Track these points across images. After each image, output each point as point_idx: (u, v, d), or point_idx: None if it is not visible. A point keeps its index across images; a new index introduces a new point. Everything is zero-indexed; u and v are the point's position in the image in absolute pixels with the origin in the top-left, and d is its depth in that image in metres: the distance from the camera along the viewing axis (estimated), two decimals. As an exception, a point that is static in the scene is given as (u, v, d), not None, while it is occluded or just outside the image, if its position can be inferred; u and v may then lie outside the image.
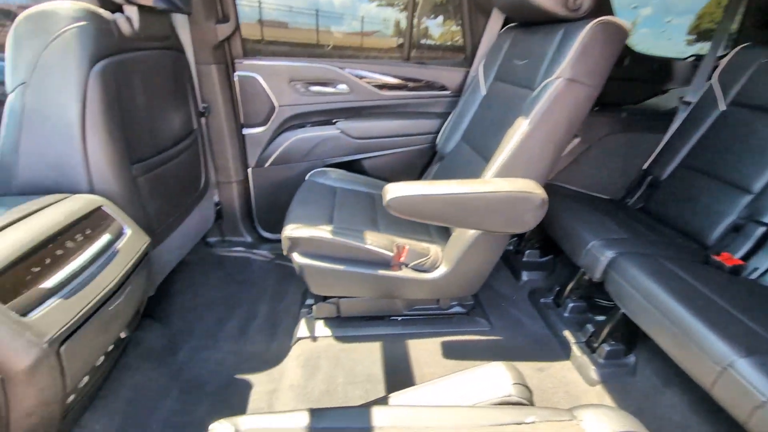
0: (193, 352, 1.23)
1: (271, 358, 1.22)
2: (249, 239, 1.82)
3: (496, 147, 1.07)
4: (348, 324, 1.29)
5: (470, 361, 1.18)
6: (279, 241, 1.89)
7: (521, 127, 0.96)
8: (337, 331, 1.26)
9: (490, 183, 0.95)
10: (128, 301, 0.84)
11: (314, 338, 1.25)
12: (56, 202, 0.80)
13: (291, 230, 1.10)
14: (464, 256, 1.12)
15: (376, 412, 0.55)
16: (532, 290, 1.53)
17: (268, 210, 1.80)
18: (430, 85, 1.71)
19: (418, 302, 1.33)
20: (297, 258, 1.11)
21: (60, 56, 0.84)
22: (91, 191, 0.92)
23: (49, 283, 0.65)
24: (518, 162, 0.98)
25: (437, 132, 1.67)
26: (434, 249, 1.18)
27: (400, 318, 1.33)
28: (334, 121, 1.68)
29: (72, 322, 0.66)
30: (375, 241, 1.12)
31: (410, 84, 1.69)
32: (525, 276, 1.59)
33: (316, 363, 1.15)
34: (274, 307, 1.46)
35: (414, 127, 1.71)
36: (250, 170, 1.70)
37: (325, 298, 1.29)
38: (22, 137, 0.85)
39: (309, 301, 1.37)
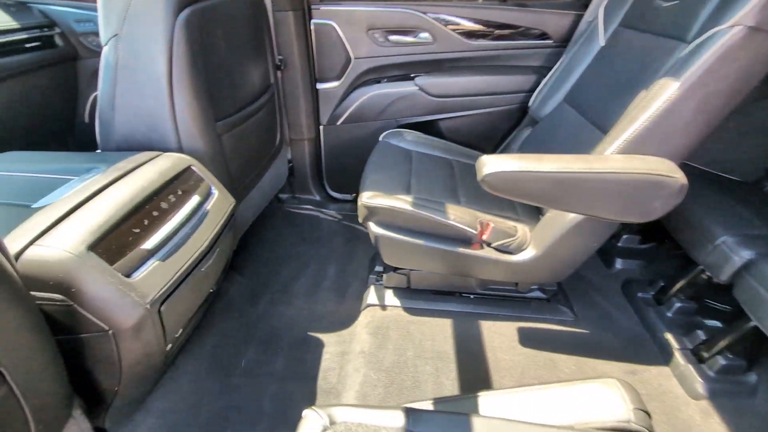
0: (269, 306, 1.29)
1: (341, 321, 1.24)
2: (318, 198, 1.82)
3: (618, 114, 0.88)
4: (418, 296, 1.25)
5: (549, 353, 1.09)
6: (347, 201, 1.90)
7: (665, 92, 0.76)
8: (407, 302, 1.23)
9: (614, 160, 0.78)
10: (217, 261, 0.86)
11: (383, 307, 1.23)
12: (149, 160, 0.81)
13: (368, 198, 1.04)
14: (559, 240, 0.98)
15: (476, 423, 0.49)
16: (626, 281, 1.35)
17: (338, 170, 1.77)
18: (527, 33, 1.46)
19: (493, 282, 1.24)
20: (373, 227, 1.06)
21: (147, 5, 0.81)
22: (180, 149, 0.92)
23: (149, 244, 0.67)
24: (653, 136, 0.79)
25: (530, 91, 1.45)
26: (522, 229, 1.06)
27: (472, 296, 1.26)
28: (412, 75, 1.53)
29: (170, 283, 0.68)
30: (458, 216, 1.02)
31: (504, 31, 1.46)
32: (619, 263, 1.40)
33: (385, 333, 1.14)
34: (343, 269, 1.46)
35: (503, 84, 1.50)
36: (321, 128, 1.65)
37: (395, 268, 1.25)
38: (117, 92, 0.86)
39: (378, 268, 1.35)
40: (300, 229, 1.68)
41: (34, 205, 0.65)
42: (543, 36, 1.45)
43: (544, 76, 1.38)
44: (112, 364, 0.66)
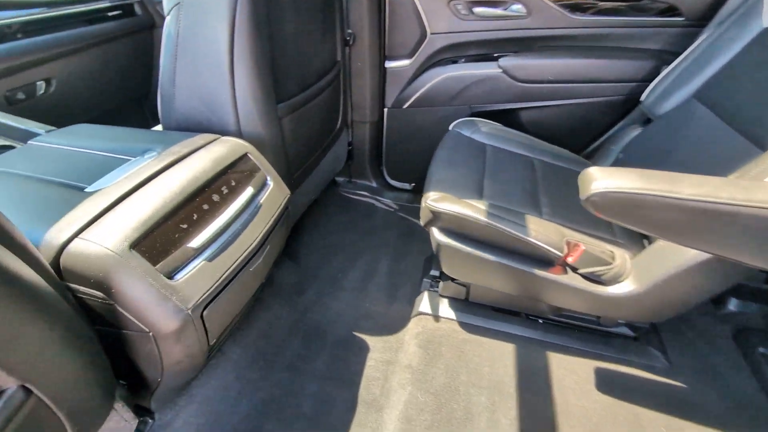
0: (317, 296, 1.24)
1: (389, 325, 1.15)
2: (374, 185, 1.71)
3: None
4: (477, 311, 1.11)
5: (632, 405, 0.91)
6: (405, 190, 1.78)
7: None
8: (464, 316, 1.10)
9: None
10: (267, 260, 0.80)
11: (437, 318, 1.12)
12: (206, 144, 0.75)
13: (434, 201, 0.91)
14: (670, 277, 0.78)
15: None
16: (742, 328, 1.09)
17: (399, 157, 1.64)
18: (647, 8, 1.18)
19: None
20: (436, 234, 0.93)
21: None
22: (238, 132, 0.85)
23: (195, 242, 0.61)
24: None
25: (643, 80, 1.18)
26: (620, 256, 0.86)
27: (541, 320, 1.09)
28: (496, 56, 1.32)
29: (215, 286, 0.62)
30: (539, 233, 0.85)
31: (618, 3, 1.19)
32: (733, 304, 1.14)
33: (437, 348, 1.03)
34: (395, 266, 1.36)
35: (609, 71, 1.24)
36: (386, 111, 1.52)
37: (453, 278, 1.12)
38: (177, 66, 0.80)
39: (434, 273, 1.23)
40: (354, 216, 1.60)
41: (88, 189, 0.61)
42: (671, 11, 1.16)
43: (666, 63, 1.10)
44: (153, 360, 0.63)
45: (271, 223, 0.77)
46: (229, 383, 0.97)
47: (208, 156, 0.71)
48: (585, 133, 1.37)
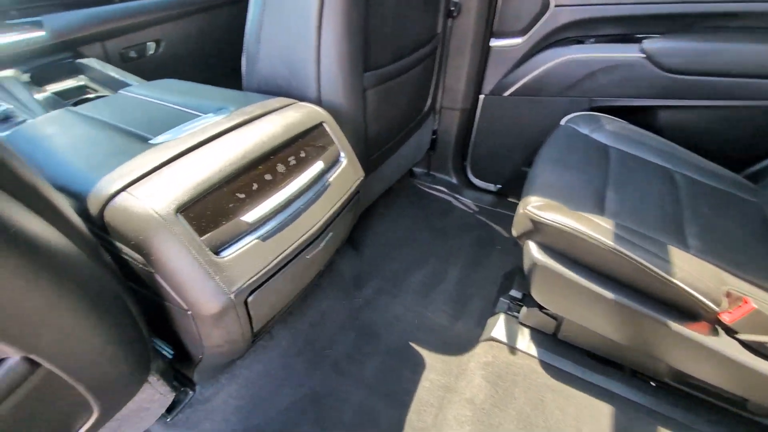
0: (376, 293, 1.13)
1: (452, 343, 0.99)
2: (455, 181, 1.54)
3: None
4: (567, 353, 0.90)
5: None
6: (488, 192, 1.56)
7: None
8: (549, 356, 0.90)
9: None
10: (328, 248, 0.69)
11: (513, 349, 0.92)
12: (280, 108, 0.66)
13: (536, 208, 0.71)
14: None
15: None
16: None
17: (487, 153, 1.44)
18: None
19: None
20: (533, 250, 0.74)
21: None
22: (318, 100, 0.75)
23: (250, 216, 0.52)
24: None
25: None
26: (816, 327, 0.58)
27: (654, 383, 0.84)
28: (638, 36, 1.05)
29: (265, 271, 0.53)
30: (690, 274, 0.62)
31: None
32: None
33: (509, 388, 0.85)
34: (467, 276, 1.19)
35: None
36: (482, 97, 1.33)
37: (541, 306, 0.91)
38: (264, 23, 0.72)
39: (515, 293, 1.03)
40: (427, 213, 1.45)
41: (151, 140, 0.56)
42: None
43: None
44: (193, 337, 0.56)
45: (338, 206, 0.65)
46: (273, 370, 0.91)
47: (280, 120, 0.62)
48: (751, 147, 1.03)
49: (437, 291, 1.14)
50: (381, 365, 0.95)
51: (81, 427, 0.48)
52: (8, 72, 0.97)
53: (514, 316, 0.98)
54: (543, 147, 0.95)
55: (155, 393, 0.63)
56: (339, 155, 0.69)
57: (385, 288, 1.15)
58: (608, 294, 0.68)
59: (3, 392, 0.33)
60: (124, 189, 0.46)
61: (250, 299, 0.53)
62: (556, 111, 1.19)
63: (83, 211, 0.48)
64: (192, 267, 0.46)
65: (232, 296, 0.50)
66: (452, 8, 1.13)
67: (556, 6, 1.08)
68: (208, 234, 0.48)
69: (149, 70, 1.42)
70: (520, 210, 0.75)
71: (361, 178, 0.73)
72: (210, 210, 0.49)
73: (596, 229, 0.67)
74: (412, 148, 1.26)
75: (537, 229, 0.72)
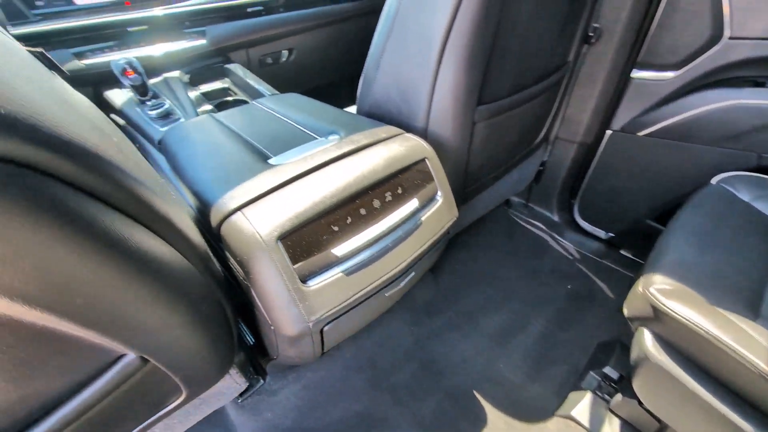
0: (446, 326, 1.09)
1: (523, 406, 0.89)
2: (556, 219, 1.39)
3: None
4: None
5: None
6: (596, 238, 1.35)
7: None
8: (642, 459, 0.75)
9: None
10: (407, 285, 0.67)
11: (596, 437, 0.79)
12: (386, 138, 0.66)
13: (661, 292, 0.59)
14: None
15: None
16: None
17: (603, 194, 1.26)
18: None
19: None
20: (646, 341, 0.61)
21: None
22: (424, 130, 0.74)
23: (339, 249, 0.53)
24: None
25: None
26: None
27: None
28: None
29: (344, 305, 0.53)
30: None
31: None
32: None
33: (582, 482, 0.73)
34: (553, 333, 1.06)
35: None
36: (609, 133, 1.16)
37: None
38: (386, 48, 0.73)
39: (609, 371, 0.88)
40: (519, 249, 1.34)
41: (271, 160, 0.61)
42: None
43: None
44: (272, 344, 0.61)
45: (426, 246, 0.63)
46: (334, 380, 0.94)
47: (385, 153, 0.62)
48: None
49: (515, 342, 1.05)
50: (438, 407, 0.90)
51: (170, 405, 0.55)
52: (174, 73, 1.17)
53: (603, 398, 0.84)
54: (683, 209, 0.78)
55: (233, 382, 0.70)
56: (436, 194, 0.66)
57: (457, 323, 1.10)
58: (746, 426, 0.53)
59: (119, 381, 0.39)
60: (239, 209, 0.51)
61: (326, 328, 0.55)
62: (705, 164, 0.98)
63: (206, 220, 0.54)
64: (281, 292, 0.49)
65: (311, 324, 0.51)
66: (591, 33, 1.01)
67: (731, 38, 0.87)
68: (300, 263, 0.50)
69: (281, 74, 1.59)
70: (638, 288, 0.63)
71: (454, 219, 0.69)
72: (305, 240, 0.51)
73: (745, 340, 0.52)
74: (513, 179, 1.17)
75: (657, 318, 0.60)
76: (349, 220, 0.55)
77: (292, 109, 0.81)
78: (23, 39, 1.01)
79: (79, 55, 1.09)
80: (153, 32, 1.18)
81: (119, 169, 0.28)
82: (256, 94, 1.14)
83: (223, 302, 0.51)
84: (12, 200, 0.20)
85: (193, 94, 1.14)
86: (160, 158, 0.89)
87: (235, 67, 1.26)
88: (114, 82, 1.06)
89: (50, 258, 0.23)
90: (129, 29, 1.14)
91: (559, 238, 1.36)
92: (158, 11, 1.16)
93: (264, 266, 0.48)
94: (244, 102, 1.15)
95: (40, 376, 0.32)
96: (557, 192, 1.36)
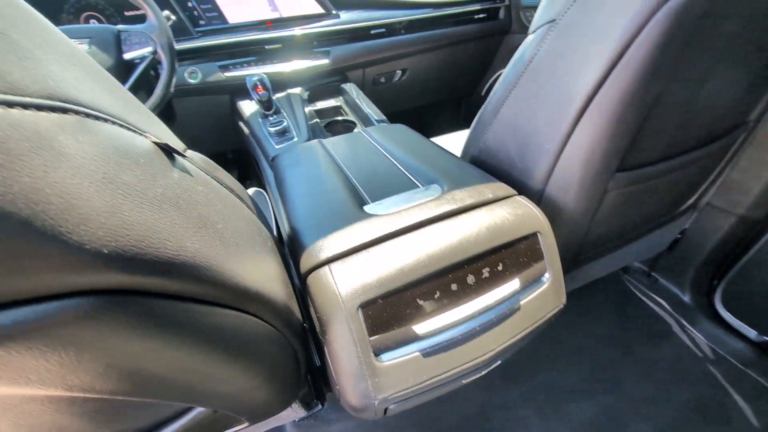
0: (519, 400, 0.95)
1: None
2: (687, 299, 1.13)
3: None
4: None
5: None
6: (742, 337, 1.03)
7: None
8: None
9: None
10: (486, 367, 0.59)
11: None
12: (494, 201, 0.58)
13: None
14: None
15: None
16: None
17: (765, 285, 0.97)
18: None
19: None
20: None
21: None
22: (540, 192, 0.64)
23: (421, 327, 0.48)
24: None
25: None
26: None
27: None
28: None
29: (414, 389, 0.48)
30: None
31: None
32: None
33: None
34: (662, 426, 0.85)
35: None
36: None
37: None
38: (512, 94, 0.65)
39: None
40: (631, 327, 1.12)
41: (367, 206, 0.59)
42: None
43: None
44: (335, 387, 0.58)
45: (520, 336, 0.54)
46: (389, 427, 0.90)
47: (490, 221, 0.54)
48: None
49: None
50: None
51: (231, 429, 0.56)
52: (296, 89, 1.25)
53: None
54: None
55: (293, 412, 0.70)
56: (543, 275, 0.57)
57: (535, 400, 0.95)
58: None
59: (189, 426, 0.40)
60: (327, 262, 0.49)
61: (391, 407, 0.51)
62: None
63: (296, 262, 0.54)
64: (352, 363, 0.46)
65: (376, 402, 0.47)
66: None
67: None
68: (377, 336, 0.46)
69: (391, 92, 1.61)
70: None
71: (560, 308, 0.58)
72: (387, 311, 0.47)
73: None
74: (641, 247, 0.97)
75: None
76: (437, 295, 0.49)
77: (397, 145, 0.79)
78: (185, 53, 1.18)
79: (223, 68, 1.23)
80: (285, 50, 1.28)
81: (221, 272, 0.27)
82: (365, 117, 1.16)
83: (299, 355, 0.50)
84: (112, 325, 0.20)
85: (309, 109, 1.21)
86: (270, 175, 0.95)
87: (350, 87, 1.30)
88: (246, 93, 1.17)
89: (140, 362, 0.23)
90: (266, 47, 1.26)
91: (687, 325, 1.10)
92: (294, 32, 1.26)
93: (340, 333, 0.46)
94: (352, 123, 1.17)
95: (118, 420, 0.34)
96: (695, 267, 1.10)
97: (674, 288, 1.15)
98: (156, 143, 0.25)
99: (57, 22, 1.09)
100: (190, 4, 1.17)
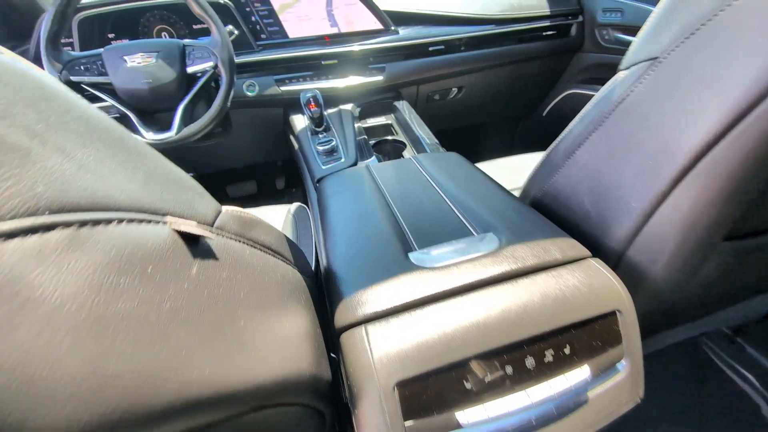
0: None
1: None
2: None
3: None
4: None
5: None
6: None
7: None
8: None
9: None
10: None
11: None
12: (563, 263, 0.50)
13: None
14: None
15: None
16: None
17: None
18: None
19: None
20: None
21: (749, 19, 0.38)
22: (619, 254, 0.55)
23: (465, 415, 0.41)
24: None
25: None
26: None
27: None
28: None
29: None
30: None
31: None
32: None
33: None
34: None
35: None
36: None
37: None
38: (585, 144, 0.57)
39: None
40: (709, 401, 0.95)
41: (412, 255, 0.53)
42: None
43: None
44: None
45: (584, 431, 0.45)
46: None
47: (557, 291, 0.46)
48: None
49: None
50: None
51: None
52: (348, 106, 1.23)
53: None
54: None
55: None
56: (619, 362, 0.47)
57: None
58: None
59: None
60: (364, 322, 0.44)
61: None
62: None
63: (332, 310, 0.50)
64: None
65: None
66: None
67: None
68: (413, 421, 0.40)
69: (445, 109, 1.54)
70: None
71: (638, 401, 0.49)
72: (427, 393, 0.41)
73: None
74: (729, 315, 0.82)
75: None
76: (487, 379, 0.42)
77: (450, 179, 0.72)
78: (245, 66, 1.20)
79: (279, 82, 1.24)
80: (341, 66, 1.26)
81: (234, 386, 0.23)
82: (416, 140, 1.10)
83: (323, 410, 0.45)
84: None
85: (359, 126, 1.18)
86: (314, 196, 0.93)
87: (402, 105, 1.26)
88: (299, 107, 1.17)
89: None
90: (323, 62, 1.25)
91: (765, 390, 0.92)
92: (352, 48, 1.24)
93: (371, 411, 0.40)
94: (402, 144, 1.12)
95: None
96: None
97: (765, 360, 0.97)
98: (177, 231, 0.21)
99: (133, 36, 1.15)
100: (253, 18, 1.19)
